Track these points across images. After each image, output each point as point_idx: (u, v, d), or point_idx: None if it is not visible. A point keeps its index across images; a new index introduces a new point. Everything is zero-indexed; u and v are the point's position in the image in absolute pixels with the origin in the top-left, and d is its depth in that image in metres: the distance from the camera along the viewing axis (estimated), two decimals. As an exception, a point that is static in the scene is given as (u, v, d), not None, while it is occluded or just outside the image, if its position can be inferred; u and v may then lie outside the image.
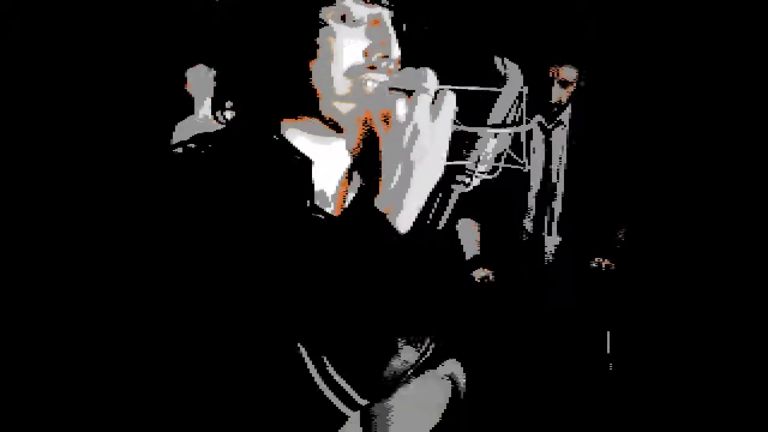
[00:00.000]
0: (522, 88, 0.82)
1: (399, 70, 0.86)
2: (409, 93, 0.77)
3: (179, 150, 0.86)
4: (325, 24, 0.83)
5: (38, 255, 3.30)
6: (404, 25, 0.88)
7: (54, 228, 3.34)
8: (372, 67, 0.85)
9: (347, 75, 0.84)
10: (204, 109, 2.99)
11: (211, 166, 0.85)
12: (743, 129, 3.53)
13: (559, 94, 3.02)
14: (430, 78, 0.78)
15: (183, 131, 3.04)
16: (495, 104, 0.86)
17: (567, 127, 3.09)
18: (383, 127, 0.78)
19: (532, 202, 3.08)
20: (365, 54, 0.85)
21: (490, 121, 0.86)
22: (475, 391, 0.93)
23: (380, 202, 0.78)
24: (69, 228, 3.30)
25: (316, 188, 0.89)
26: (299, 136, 0.90)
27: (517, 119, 0.82)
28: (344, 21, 0.84)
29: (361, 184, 0.82)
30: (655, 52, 3.62)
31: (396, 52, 0.86)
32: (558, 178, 3.09)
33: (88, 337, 2.78)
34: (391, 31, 0.85)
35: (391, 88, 0.78)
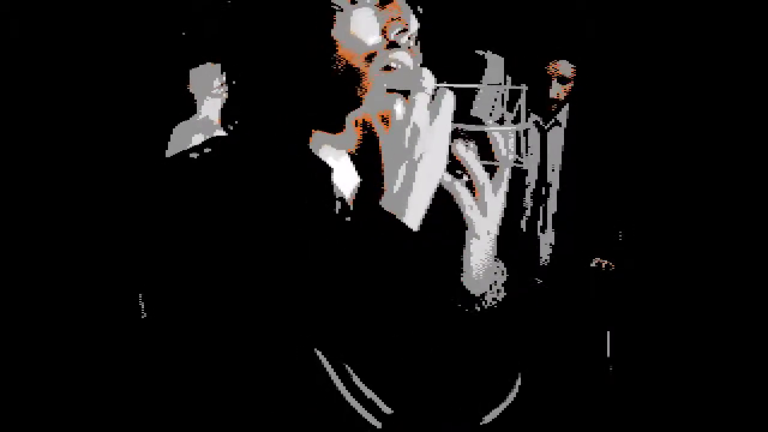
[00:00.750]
0: (522, 86, 0.81)
1: (418, 46, 0.84)
2: (407, 93, 0.77)
3: (194, 155, 0.84)
4: (340, 9, 0.80)
5: (43, 257, 3.30)
6: (419, 7, 0.85)
7: (59, 230, 3.33)
8: (392, 45, 0.82)
9: (368, 59, 0.81)
10: (206, 109, 2.96)
11: (227, 170, 0.83)
12: (741, 128, 3.53)
13: (557, 90, 3.01)
14: (427, 77, 0.77)
15: (185, 133, 3.02)
16: (474, 99, 0.85)
17: (563, 127, 3.09)
18: (383, 128, 0.77)
19: (527, 200, 3.09)
20: (383, 32, 0.82)
21: (474, 113, 0.85)
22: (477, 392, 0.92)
23: (386, 204, 0.78)
24: (76, 231, 3.30)
25: (337, 195, 0.87)
26: (318, 142, 0.87)
27: (514, 117, 0.82)
28: (355, 3, 0.81)
29: (367, 187, 0.81)
30: (653, 51, 3.62)
31: (414, 26, 0.83)
32: (553, 177, 3.09)
33: (117, 338, 2.78)
34: (405, 5, 0.83)
35: (389, 90, 0.77)
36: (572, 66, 3.01)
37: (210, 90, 2.94)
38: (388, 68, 0.81)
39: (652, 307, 3.44)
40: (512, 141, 0.86)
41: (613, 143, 3.06)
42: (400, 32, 0.81)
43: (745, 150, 3.51)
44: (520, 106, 0.81)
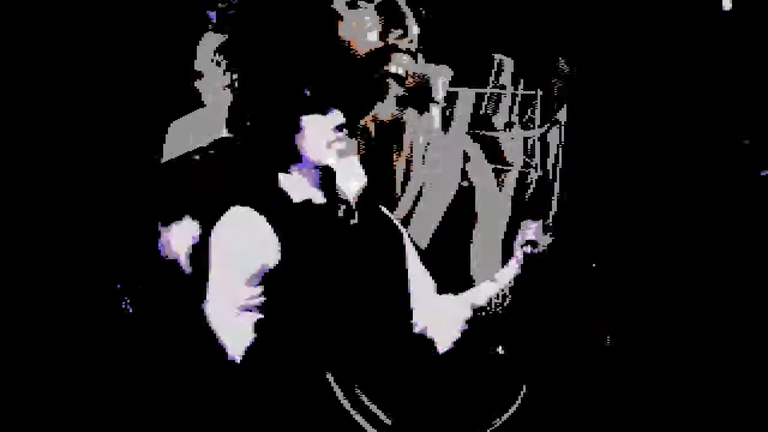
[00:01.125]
0: (537, 91, 0.81)
1: (419, 50, 0.84)
2: (419, 104, 0.76)
3: (197, 156, 0.84)
4: (340, 17, 0.81)
5: (48, 259, 3.29)
6: (421, 10, 0.85)
7: (61, 232, 3.33)
8: (391, 48, 0.82)
9: (368, 63, 0.82)
10: (205, 107, 2.96)
11: (231, 172, 0.83)
12: (741, 128, 3.53)
13: (558, 86, 3.02)
14: (440, 86, 0.77)
15: (183, 130, 3.01)
16: (482, 102, 0.85)
17: (563, 126, 3.09)
18: (392, 135, 0.77)
19: (528, 200, 3.09)
20: (382, 37, 0.82)
21: (482, 116, 0.85)
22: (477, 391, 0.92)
23: (397, 214, 0.77)
24: (75, 232, 3.30)
25: (341, 196, 0.87)
26: (321, 144, 0.87)
27: (527, 121, 0.82)
28: (355, 7, 0.81)
29: (375, 194, 0.81)
30: (653, 51, 3.62)
31: (414, 30, 0.83)
32: (553, 177, 3.09)
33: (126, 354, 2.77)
34: (405, 9, 0.83)
35: (400, 97, 0.77)
36: (570, 60, 3.01)
37: (211, 88, 2.93)
38: (388, 71, 0.81)
39: (652, 307, 3.44)
40: (521, 145, 0.86)
41: (613, 142, 3.06)
42: (399, 36, 0.81)
43: (747, 148, 3.51)
44: (534, 110, 0.80)
